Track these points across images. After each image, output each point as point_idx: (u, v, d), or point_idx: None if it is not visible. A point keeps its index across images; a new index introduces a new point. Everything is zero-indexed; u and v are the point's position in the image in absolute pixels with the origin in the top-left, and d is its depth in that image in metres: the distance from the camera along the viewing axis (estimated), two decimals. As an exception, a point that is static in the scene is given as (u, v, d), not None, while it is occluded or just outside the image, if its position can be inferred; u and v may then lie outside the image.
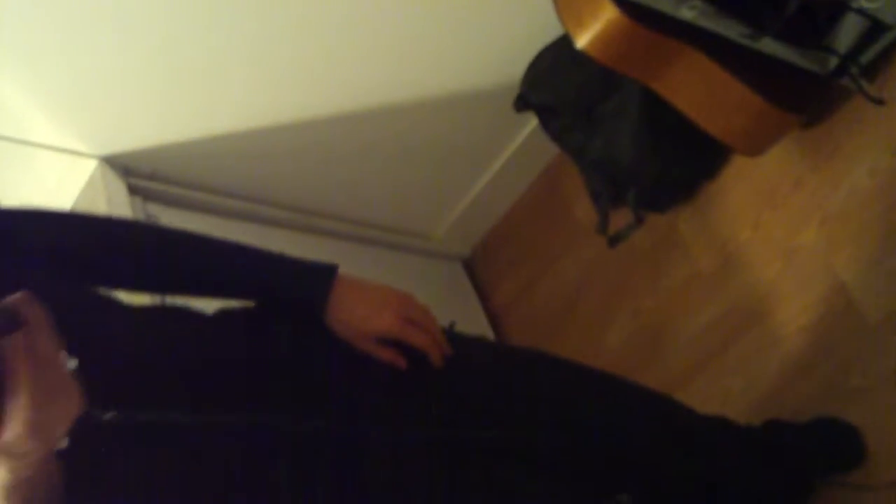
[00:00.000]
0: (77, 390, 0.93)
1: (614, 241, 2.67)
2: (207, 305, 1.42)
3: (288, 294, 1.41)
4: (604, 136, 2.50)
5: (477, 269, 3.26)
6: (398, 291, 1.46)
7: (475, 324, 3.03)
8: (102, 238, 1.39)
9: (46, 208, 1.36)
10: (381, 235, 3.04)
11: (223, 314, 1.42)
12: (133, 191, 2.43)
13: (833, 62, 2.06)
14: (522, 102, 2.63)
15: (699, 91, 2.05)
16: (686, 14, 1.93)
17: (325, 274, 1.42)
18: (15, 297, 0.91)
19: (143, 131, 2.43)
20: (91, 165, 2.40)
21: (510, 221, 3.17)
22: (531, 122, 2.81)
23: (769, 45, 1.99)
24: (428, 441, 1.38)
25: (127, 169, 2.46)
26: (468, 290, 3.19)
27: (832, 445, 2.08)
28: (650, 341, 2.63)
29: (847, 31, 2.02)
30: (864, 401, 2.09)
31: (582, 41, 2.00)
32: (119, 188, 2.39)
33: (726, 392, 2.37)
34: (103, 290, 1.35)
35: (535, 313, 3.02)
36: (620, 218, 2.64)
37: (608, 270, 2.81)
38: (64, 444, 0.95)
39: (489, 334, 3.02)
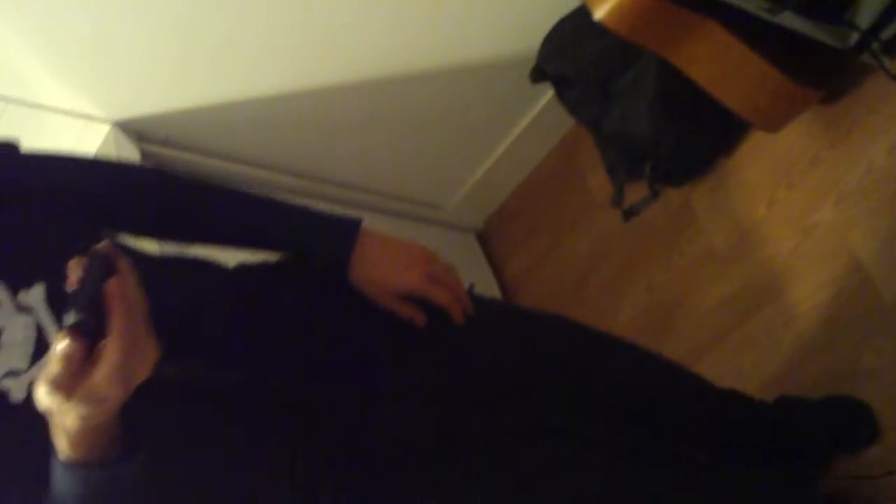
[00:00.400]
0: (155, 340, 0.93)
1: (629, 214, 2.66)
2: (231, 260, 1.42)
3: (310, 247, 1.40)
4: (620, 108, 2.48)
5: (490, 240, 3.26)
6: (423, 248, 1.45)
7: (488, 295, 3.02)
8: (124, 183, 1.38)
9: (66, 153, 1.36)
10: (394, 205, 3.04)
11: (243, 269, 1.41)
12: (145, 156, 2.43)
13: (854, 37, 2.03)
14: (539, 73, 2.61)
15: (717, 65, 2.03)
16: (705, -14, 1.91)
17: (349, 227, 1.40)
18: (103, 245, 0.91)
19: (156, 97, 2.42)
20: (104, 130, 2.39)
21: (524, 193, 3.16)
22: (547, 93, 2.79)
23: (789, 19, 1.96)
24: (439, 419, 1.38)
25: (140, 134, 2.45)
26: (481, 261, 3.18)
27: (844, 423, 2.07)
28: (662, 317, 2.62)
29: (869, 6, 1.99)
30: (878, 380, 2.07)
31: (599, 12, 1.98)
32: (132, 153, 2.39)
33: (738, 369, 2.36)
34: (121, 237, 1.35)
35: (547, 286, 3.01)
36: (635, 192, 2.63)
37: (621, 244, 2.79)
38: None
39: (501, 306, 3.01)
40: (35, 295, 1.09)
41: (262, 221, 1.40)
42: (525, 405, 1.49)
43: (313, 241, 1.40)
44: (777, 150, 2.38)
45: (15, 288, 1.08)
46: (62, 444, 0.94)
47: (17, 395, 1.04)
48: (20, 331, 1.06)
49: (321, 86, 2.54)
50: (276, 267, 1.42)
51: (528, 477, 1.42)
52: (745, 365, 2.35)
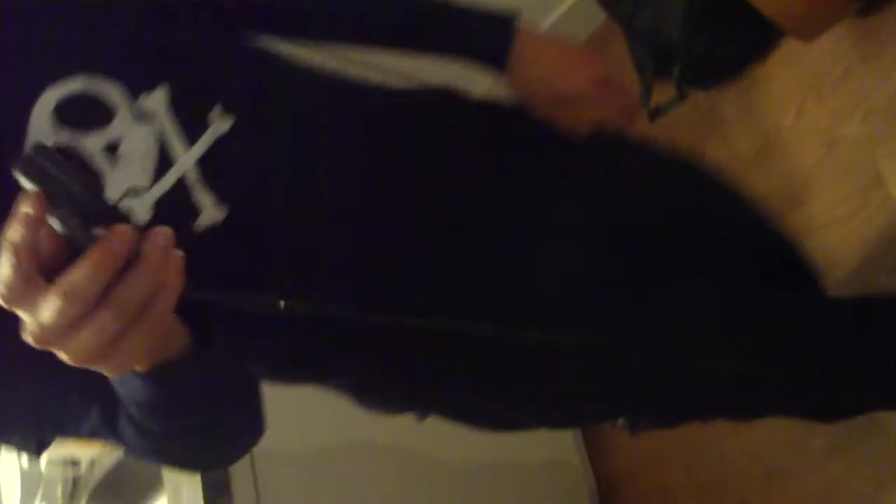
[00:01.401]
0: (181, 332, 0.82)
1: (654, 115, 2.64)
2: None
3: (462, 44, 1.25)
4: (654, 6, 2.44)
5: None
6: (589, 49, 1.29)
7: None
8: None
9: None
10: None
11: (387, 97, 1.28)
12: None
13: (897, -50, 2.00)
14: (573, -34, 2.57)
15: (755, -31, 2.00)
16: None
17: (505, 22, 1.24)
18: (153, 235, 0.72)
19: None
20: None
21: (550, 87, 3.13)
22: (581, -15, 2.76)
23: (832, -73, 1.93)
24: (584, 257, 1.26)
25: None
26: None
27: None
28: (681, 220, 2.61)
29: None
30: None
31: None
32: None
33: (752, 278, 2.36)
34: (261, 42, 1.22)
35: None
36: (663, 93, 2.60)
37: (645, 145, 2.77)
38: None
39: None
40: (157, 99, 0.95)
41: (410, 13, 1.26)
42: (655, 236, 1.38)
43: (465, 37, 1.25)
44: (809, 61, 2.34)
45: (135, 91, 0.95)
46: None
47: (140, 215, 0.91)
48: (141, 142, 0.91)
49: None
50: (427, 100, 1.31)
51: (665, 308, 1.32)
52: (758, 274, 2.35)
